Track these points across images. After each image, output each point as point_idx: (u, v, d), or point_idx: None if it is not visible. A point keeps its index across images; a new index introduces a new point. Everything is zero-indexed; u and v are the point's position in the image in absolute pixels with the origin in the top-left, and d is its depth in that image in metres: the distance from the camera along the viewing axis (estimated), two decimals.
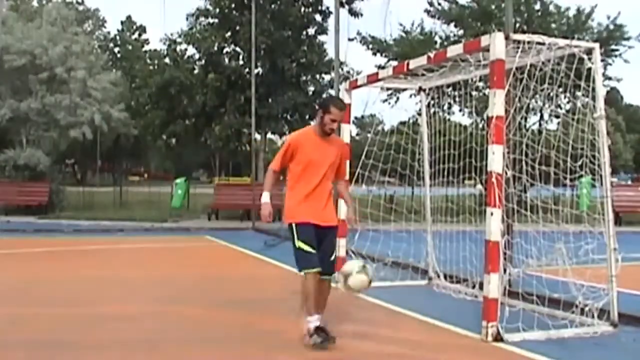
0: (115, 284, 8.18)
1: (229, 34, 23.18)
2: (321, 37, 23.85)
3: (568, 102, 16.25)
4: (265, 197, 5.25)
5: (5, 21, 22.92)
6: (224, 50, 23.71)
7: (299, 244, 5.13)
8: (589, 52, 5.86)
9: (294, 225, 5.17)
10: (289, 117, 24.34)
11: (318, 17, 23.51)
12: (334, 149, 5.33)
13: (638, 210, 19.14)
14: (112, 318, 6.11)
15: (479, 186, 14.78)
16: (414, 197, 9.85)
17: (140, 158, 64.27)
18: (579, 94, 6.37)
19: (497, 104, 5.38)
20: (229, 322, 5.92)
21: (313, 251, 5.08)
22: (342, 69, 19.48)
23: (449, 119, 14.94)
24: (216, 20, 23.43)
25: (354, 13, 22.57)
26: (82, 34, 28.40)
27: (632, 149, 53.06)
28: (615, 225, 6.08)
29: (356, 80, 8.34)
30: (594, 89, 5.84)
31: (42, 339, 5.32)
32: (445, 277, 7.97)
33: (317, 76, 24.16)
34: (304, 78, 23.76)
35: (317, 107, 5.39)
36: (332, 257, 5.30)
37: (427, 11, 20.83)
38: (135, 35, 61.56)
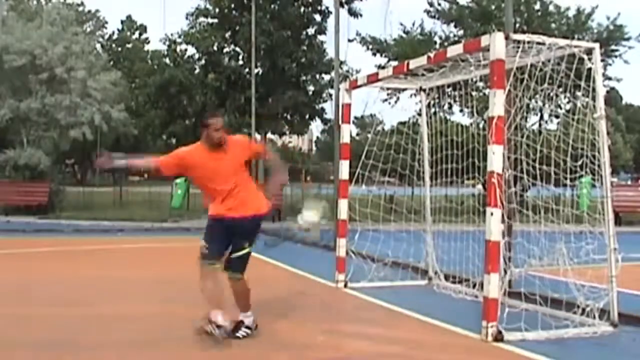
0: (115, 284, 8.17)
1: (228, 33, 23.21)
2: (321, 37, 23.91)
3: (568, 102, 16.26)
4: (119, 162, 5.35)
5: (5, 21, 22.95)
6: (224, 50, 23.74)
7: (205, 238, 5.26)
8: (589, 52, 5.85)
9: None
10: (289, 116, 24.38)
11: (318, 17, 23.55)
12: (230, 154, 5.22)
13: (638, 210, 19.14)
14: (112, 318, 6.11)
15: (479, 186, 14.78)
16: (414, 197, 9.85)
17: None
18: (579, 94, 6.37)
19: (497, 104, 5.38)
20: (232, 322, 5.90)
21: (207, 247, 5.19)
22: (341, 69, 19.49)
23: (449, 119, 14.96)
24: (216, 20, 23.46)
25: (353, 13, 22.60)
26: (82, 34, 28.41)
27: (632, 149, 53.07)
28: (616, 225, 6.08)
29: (356, 80, 8.34)
30: (594, 89, 5.84)
31: (43, 338, 5.32)
32: (445, 277, 7.97)
33: (317, 76, 24.19)
34: (303, 78, 23.80)
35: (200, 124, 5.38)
36: (236, 255, 5.24)
37: (427, 11, 20.85)
38: (136, 35, 61.54)
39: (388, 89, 8.69)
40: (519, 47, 5.65)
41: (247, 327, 5.29)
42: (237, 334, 5.23)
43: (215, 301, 5.18)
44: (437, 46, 20.02)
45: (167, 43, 24.49)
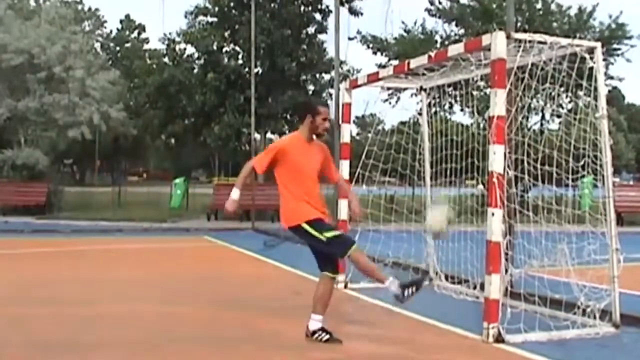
0: (114, 284, 8.18)
1: (228, 33, 23.22)
2: (321, 36, 23.92)
3: (570, 102, 16.23)
4: (236, 194, 5.08)
5: (3, 20, 22.93)
6: (224, 50, 23.74)
7: (325, 235, 5.01)
8: (591, 51, 5.85)
9: (307, 224, 5.04)
10: (288, 116, 24.37)
11: (318, 16, 23.55)
12: (319, 153, 5.27)
13: None
14: (111, 318, 6.12)
15: (480, 186, 14.78)
16: (415, 197, 9.85)
17: (139, 158, 64.32)
18: (580, 93, 6.38)
19: (498, 104, 5.38)
20: (228, 322, 5.92)
21: (340, 231, 5.14)
22: (342, 68, 19.50)
23: (449, 119, 14.95)
24: (215, 19, 23.47)
25: (354, 12, 22.61)
26: (81, 33, 28.41)
27: (634, 148, 53.06)
28: (617, 225, 6.07)
29: (356, 79, 8.34)
30: (595, 89, 5.84)
31: (42, 339, 5.32)
32: (446, 277, 7.97)
33: (317, 75, 24.19)
34: (303, 77, 23.80)
35: (300, 113, 5.27)
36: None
37: (428, 10, 20.83)
38: (135, 34, 61.56)
39: (389, 88, 8.70)
40: (520, 46, 5.65)
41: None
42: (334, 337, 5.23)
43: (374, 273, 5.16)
44: (438, 45, 20.01)
45: (166, 42, 24.49)
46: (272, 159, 5.11)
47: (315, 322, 5.18)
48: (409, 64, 6.95)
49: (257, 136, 23.72)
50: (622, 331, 5.68)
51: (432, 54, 6.60)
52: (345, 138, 8.18)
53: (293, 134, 5.39)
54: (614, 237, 5.73)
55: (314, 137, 5.24)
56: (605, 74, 19.36)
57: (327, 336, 5.15)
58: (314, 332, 5.17)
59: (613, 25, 19.88)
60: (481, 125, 12.80)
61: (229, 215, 5.16)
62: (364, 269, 5.16)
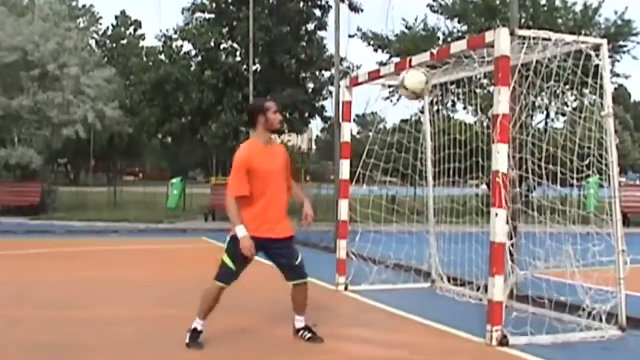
0: (110, 286, 8.18)
1: (226, 29, 23.18)
2: (321, 33, 23.86)
3: (575, 100, 16.19)
4: (242, 231, 4.99)
5: None
6: (221, 47, 23.70)
7: (225, 259, 5.14)
8: (597, 48, 5.86)
9: (234, 237, 5.07)
10: (288, 115, 24.32)
11: (318, 13, 23.51)
12: (279, 154, 5.25)
13: None
14: (107, 321, 6.12)
15: (484, 186, 14.78)
16: (417, 198, 9.86)
17: (135, 157, 64.30)
18: (586, 91, 6.37)
19: (502, 102, 5.39)
20: (225, 325, 5.91)
21: (234, 270, 5.13)
22: (342, 66, 19.48)
23: (452, 117, 14.95)
24: (213, 16, 23.44)
25: (354, 8, 22.57)
26: (76, 30, 28.39)
27: None
28: (624, 226, 6.08)
29: (357, 77, 8.35)
30: (601, 87, 5.85)
31: (37, 341, 5.33)
32: (448, 279, 7.97)
33: (317, 73, 24.16)
34: (303, 75, 23.77)
35: (251, 118, 5.23)
36: (298, 261, 5.27)
37: (430, 6, 20.86)
38: (131, 31, 61.56)
39: (390, 86, 8.69)
40: (524, 44, 5.65)
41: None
42: (318, 335, 5.35)
43: (208, 314, 5.20)
44: (441, 42, 20.02)
45: (163, 39, 24.43)
46: (245, 173, 5.04)
47: (298, 322, 5.42)
48: (410, 61, 6.95)
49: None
50: (629, 334, 5.69)
51: (435, 52, 6.61)
52: (346, 137, 8.19)
53: (249, 142, 5.26)
54: (620, 239, 5.73)
55: (272, 136, 5.23)
56: (612, 71, 19.37)
57: (310, 335, 5.35)
58: (299, 330, 5.40)
59: (619, 22, 19.89)
60: (485, 124, 12.80)
61: (252, 254, 5.07)
62: (201, 301, 5.22)
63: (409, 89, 6.10)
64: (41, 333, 5.65)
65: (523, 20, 18.10)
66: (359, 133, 59.76)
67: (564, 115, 17.45)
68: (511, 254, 5.73)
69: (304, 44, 23.27)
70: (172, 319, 6.25)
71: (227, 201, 5.10)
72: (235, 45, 23.47)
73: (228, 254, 5.15)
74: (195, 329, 5.17)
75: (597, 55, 5.81)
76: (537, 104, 15.70)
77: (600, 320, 5.67)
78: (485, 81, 14.54)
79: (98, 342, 5.36)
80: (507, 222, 5.49)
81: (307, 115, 24.54)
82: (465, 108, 18.18)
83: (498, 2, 19.81)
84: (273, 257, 5.31)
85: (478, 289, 7.10)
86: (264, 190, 5.06)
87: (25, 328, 5.83)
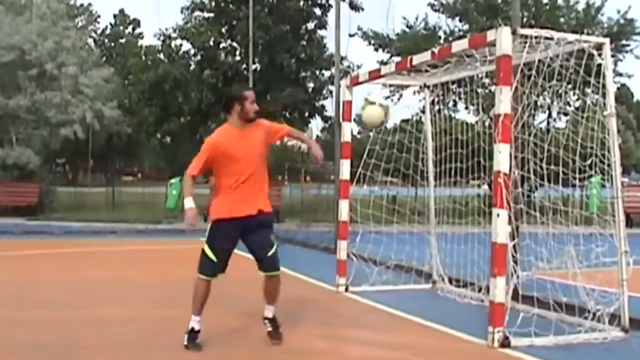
0: (108, 287, 8.18)
1: (225, 28, 23.18)
2: (321, 32, 23.86)
3: (577, 100, 16.28)
4: (189, 202, 5.16)
5: None
6: (221, 46, 23.70)
7: (205, 248, 5.20)
8: (599, 47, 5.86)
9: (211, 225, 5.21)
10: (287, 114, 24.32)
11: (318, 11, 23.51)
12: (257, 135, 5.26)
13: None
14: (106, 321, 6.13)
15: (485, 186, 14.78)
16: (418, 198, 9.86)
17: (133, 157, 64.23)
18: (588, 90, 6.40)
19: (503, 102, 5.39)
20: (225, 326, 5.92)
21: (216, 260, 5.16)
22: (342, 65, 19.46)
23: (453, 117, 14.96)
24: (212, 14, 23.43)
25: (354, 7, 22.56)
26: (74, 28, 28.39)
27: None
28: (626, 227, 6.08)
29: (357, 76, 8.35)
30: (604, 86, 5.84)
31: (36, 341, 5.34)
32: (450, 280, 7.97)
33: (317, 72, 24.15)
34: (303, 74, 23.76)
35: (227, 103, 5.32)
36: (271, 252, 5.23)
37: (431, 5, 20.83)
38: (129, 30, 61.56)
39: (391, 85, 8.70)
40: (526, 42, 5.65)
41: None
42: (279, 330, 5.36)
43: (201, 309, 5.21)
44: (442, 41, 20.01)
45: (162, 38, 24.42)
46: (208, 158, 5.17)
47: (267, 311, 5.44)
48: (411, 60, 6.95)
49: None
50: (631, 335, 5.69)
51: (436, 50, 6.61)
52: (346, 137, 8.19)
53: (222, 127, 5.35)
54: (623, 239, 5.73)
55: (246, 122, 5.25)
56: (614, 70, 19.36)
57: (270, 328, 5.38)
58: (265, 319, 5.43)
59: (622, 21, 19.88)
60: (486, 124, 12.79)
61: (193, 223, 5.17)
62: (193, 295, 5.24)
63: (368, 125, 6.10)
64: (40, 333, 5.66)
65: (525, 19, 18.09)
66: (359, 133, 59.57)
67: (566, 114, 17.49)
68: (513, 255, 5.73)
69: (304, 42, 23.27)
70: (171, 319, 6.25)
71: (184, 177, 5.31)
72: (235, 44, 23.47)
73: (207, 243, 5.22)
74: (192, 329, 5.17)
75: (600, 54, 5.81)
76: (539, 104, 15.73)
77: (603, 321, 5.67)
78: (486, 80, 14.56)
79: (97, 343, 5.36)
80: (509, 223, 5.49)
81: (307, 114, 24.53)
82: (466, 107, 18.17)
83: (499, 1, 19.79)
84: (250, 243, 5.27)
85: (479, 290, 7.10)
86: (240, 174, 5.14)
87: (24, 328, 5.83)
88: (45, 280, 8.72)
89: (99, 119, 23.41)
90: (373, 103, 6.11)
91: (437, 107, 8.51)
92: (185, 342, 5.13)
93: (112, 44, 58.97)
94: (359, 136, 51.69)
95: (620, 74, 21.04)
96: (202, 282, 5.20)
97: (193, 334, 5.17)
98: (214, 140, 5.23)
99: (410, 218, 8.65)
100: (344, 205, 7.97)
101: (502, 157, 5.37)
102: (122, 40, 59.28)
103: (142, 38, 59.61)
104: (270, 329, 5.40)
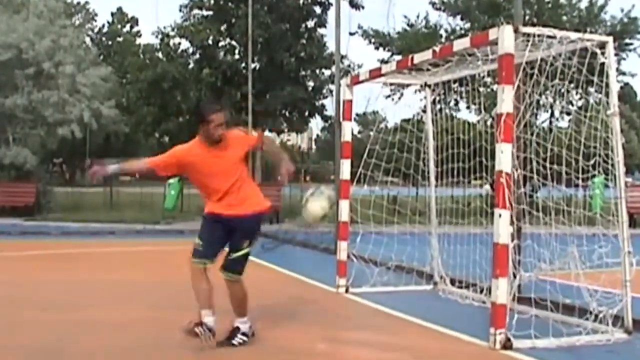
0: (106, 288, 8.18)
1: (224, 26, 23.21)
2: (321, 30, 23.90)
3: (580, 99, 16.29)
4: (112, 169, 5.42)
5: None
6: (219, 44, 23.73)
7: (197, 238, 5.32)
8: (602, 46, 5.85)
9: (203, 217, 5.41)
10: (287, 113, 24.36)
11: (317, 9, 23.55)
12: (230, 150, 5.23)
13: None
14: (102, 324, 6.12)
15: (487, 186, 14.79)
16: (419, 198, 9.86)
17: (131, 157, 64.24)
18: (591, 89, 6.38)
19: (505, 101, 5.38)
20: (221, 326, 5.91)
21: (201, 244, 5.23)
22: (342, 64, 19.46)
23: (455, 116, 14.96)
24: (211, 13, 23.45)
25: (355, 5, 22.58)
26: (71, 27, 28.39)
27: None
28: (630, 227, 6.08)
29: (358, 75, 8.35)
30: (607, 85, 5.84)
31: (30, 344, 5.33)
32: (451, 281, 7.97)
33: (317, 71, 24.18)
34: (303, 73, 23.79)
35: (197, 118, 5.38)
36: (235, 255, 5.26)
37: (432, 3, 20.85)
38: (127, 28, 61.53)
39: (391, 84, 8.71)
40: (528, 41, 5.65)
41: (243, 334, 5.29)
42: (233, 342, 5.23)
43: (206, 301, 5.18)
44: (443, 40, 20.03)
45: (160, 36, 24.47)
46: (173, 162, 5.31)
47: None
48: (412, 59, 6.95)
49: (254, 133, 23.69)
50: (635, 337, 5.68)
51: (437, 49, 6.61)
52: (347, 136, 8.19)
53: (194, 141, 5.37)
54: (627, 240, 5.73)
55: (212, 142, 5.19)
56: (617, 69, 19.42)
57: (224, 340, 5.21)
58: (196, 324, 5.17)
59: (625, 19, 19.91)
60: (488, 123, 12.81)
61: (91, 174, 5.41)
62: (192, 286, 5.26)
63: (312, 223, 5.96)
64: (34, 336, 5.64)
65: (527, 17, 18.10)
66: (359, 132, 59.64)
67: (568, 114, 17.49)
68: (515, 256, 5.73)
69: (304, 41, 23.30)
70: (170, 321, 6.24)
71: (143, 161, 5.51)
72: (234, 43, 23.50)
73: (200, 233, 5.33)
74: (200, 322, 5.08)
75: (603, 53, 5.81)
76: (541, 103, 15.73)
77: (607, 323, 5.66)
78: (488, 79, 14.59)
79: (92, 346, 5.35)
80: (511, 223, 5.48)
81: (307, 114, 24.56)
82: (468, 107, 18.22)
83: None
84: (228, 243, 5.32)
85: (481, 291, 7.10)
86: (220, 188, 5.23)
87: (18, 331, 5.82)
88: (42, 281, 8.72)
89: (97, 118, 23.41)
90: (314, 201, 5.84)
91: (438, 106, 8.51)
92: (200, 333, 5.02)
93: (110, 43, 58.94)
94: (359, 136, 51.74)
95: (624, 73, 21.09)
96: (194, 267, 5.20)
97: (202, 327, 5.08)
98: (183, 149, 5.34)
99: (411, 218, 8.66)
100: (344, 206, 7.97)
101: (504, 156, 5.36)
102: (120, 39, 59.25)
103: (140, 36, 59.59)
104: (223, 340, 5.22)
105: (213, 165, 5.19)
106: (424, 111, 8.51)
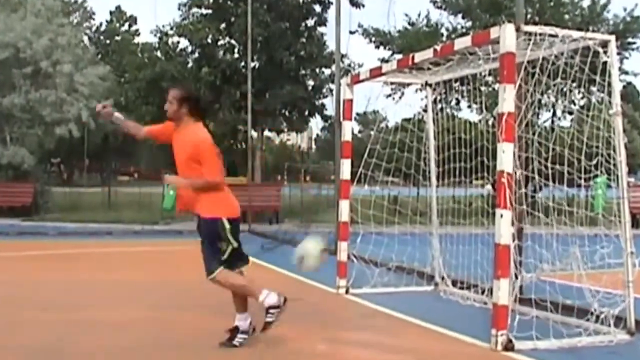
0: (104, 289, 8.18)
1: (223, 25, 23.20)
2: (321, 29, 23.91)
3: (582, 98, 16.21)
4: (117, 116, 5.60)
5: None
6: (219, 43, 23.73)
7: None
8: (605, 44, 5.86)
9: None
10: (287, 113, 24.36)
11: (317, 8, 23.54)
12: (187, 140, 5.23)
13: None
14: (101, 324, 6.12)
15: (488, 186, 14.80)
16: (420, 198, 9.87)
17: (130, 157, 64.22)
18: (593, 89, 6.39)
19: (507, 100, 5.39)
20: (220, 328, 5.92)
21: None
22: (343, 63, 19.46)
23: (456, 116, 14.95)
24: (210, 11, 23.45)
25: (355, 3, 22.59)
26: (69, 25, 28.38)
27: None
28: (633, 227, 6.08)
29: (358, 74, 8.35)
30: (609, 84, 5.85)
31: (29, 345, 5.33)
32: (452, 282, 7.98)
33: (317, 70, 24.18)
34: (302, 72, 23.79)
35: None
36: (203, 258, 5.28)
37: (433, 2, 20.86)
38: (125, 27, 61.53)
39: (392, 83, 8.70)
40: (530, 40, 5.65)
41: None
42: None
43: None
44: (444, 38, 20.03)
45: (159, 35, 24.47)
46: (163, 133, 5.49)
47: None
48: (413, 58, 6.95)
49: (254, 134, 23.72)
50: (637, 338, 5.68)
51: (438, 48, 6.61)
52: (347, 136, 8.19)
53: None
54: (629, 240, 5.73)
55: (183, 120, 5.28)
56: (620, 68, 19.40)
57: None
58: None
59: (628, 18, 19.92)
60: (489, 123, 12.80)
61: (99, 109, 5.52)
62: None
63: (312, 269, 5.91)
64: (32, 336, 5.65)
65: (529, 16, 18.11)
66: (360, 132, 59.70)
67: (570, 113, 17.50)
68: (516, 256, 5.73)
69: (304, 40, 23.30)
70: (169, 321, 6.26)
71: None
72: (233, 42, 23.50)
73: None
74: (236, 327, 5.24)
75: (605, 52, 5.81)
76: (543, 102, 15.74)
77: (609, 324, 5.66)
78: (489, 78, 14.61)
79: (91, 346, 5.35)
80: (513, 224, 5.49)
81: (306, 113, 24.56)
82: (469, 106, 18.26)
83: None
84: None
85: (482, 292, 7.10)
86: (177, 170, 5.36)
87: (17, 331, 5.82)
88: (41, 281, 8.72)
89: (95, 118, 23.39)
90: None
91: (439, 106, 8.51)
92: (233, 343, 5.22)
93: (108, 42, 58.93)
94: (359, 135, 51.78)
95: (626, 72, 21.09)
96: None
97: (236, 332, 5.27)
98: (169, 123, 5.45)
99: (412, 219, 8.66)
100: (344, 206, 7.97)
101: (506, 156, 5.36)
102: (118, 38, 59.26)
103: (138, 35, 59.59)
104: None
105: (175, 145, 5.31)
106: (425, 110, 8.52)
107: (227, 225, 5.14)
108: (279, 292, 5.24)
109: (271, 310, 5.17)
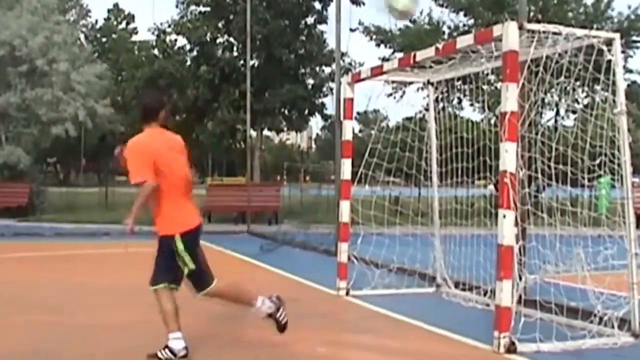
0: (102, 290, 8.19)
1: (222, 23, 23.20)
2: (321, 27, 23.89)
3: (586, 97, 16.28)
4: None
5: None
6: (217, 41, 23.72)
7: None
8: (609, 43, 5.86)
9: None
10: (286, 112, 24.35)
11: (317, 5, 23.53)
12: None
13: None
14: (98, 327, 6.13)
15: (491, 187, 14.80)
16: (421, 199, 9.86)
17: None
18: (597, 87, 6.40)
19: (510, 99, 5.39)
20: (222, 331, 5.93)
21: None
22: (343, 61, 19.48)
23: (458, 115, 14.94)
24: (208, 9, 23.45)
25: (355, 1, 22.58)
26: (65, 23, 28.40)
27: None
28: (637, 228, 6.08)
29: (359, 73, 8.36)
30: (614, 83, 5.85)
31: (25, 349, 5.33)
32: (454, 284, 7.98)
33: (317, 68, 24.17)
34: (302, 70, 23.79)
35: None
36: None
37: None
38: (123, 25, 61.53)
39: (393, 82, 8.72)
40: (533, 38, 5.66)
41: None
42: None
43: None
44: (446, 36, 20.04)
45: (156, 33, 24.46)
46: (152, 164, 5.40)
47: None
48: (414, 56, 6.96)
49: (253, 133, 23.72)
50: None
51: (440, 46, 6.62)
52: (347, 135, 8.19)
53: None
54: (633, 241, 5.73)
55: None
56: (624, 67, 19.39)
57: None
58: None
59: (632, 16, 19.92)
60: (492, 122, 12.80)
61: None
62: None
63: (400, 11, 5.90)
64: (28, 340, 5.64)
65: (532, 14, 18.12)
66: (360, 131, 59.76)
67: (574, 112, 17.48)
68: (519, 258, 5.74)
69: (303, 38, 23.29)
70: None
71: None
72: (232, 40, 23.49)
73: None
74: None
75: (609, 50, 5.82)
76: (546, 101, 15.75)
77: (612, 326, 5.67)
78: (492, 77, 14.61)
79: (87, 350, 5.36)
80: (516, 224, 5.49)
81: (306, 112, 24.54)
82: (471, 105, 18.25)
83: None
84: None
85: (485, 294, 7.11)
86: None
87: (12, 335, 5.82)
88: (36, 283, 8.72)
89: (92, 117, 23.45)
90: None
91: (441, 105, 8.51)
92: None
93: (105, 40, 58.93)
94: (360, 135, 51.82)
95: (631, 71, 21.07)
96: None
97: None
98: None
99: (413, 219, 8.66)
100: (344, 206, 7.97)
101: (509, 156, 5.37)
102: (115, 36, 59.26)
103: (136, 33, 59.59)
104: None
105: None
106: (427, 109, 8.52)
107: (180, 245, 5.01)
108: (263, 298, 5.24)
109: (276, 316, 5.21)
